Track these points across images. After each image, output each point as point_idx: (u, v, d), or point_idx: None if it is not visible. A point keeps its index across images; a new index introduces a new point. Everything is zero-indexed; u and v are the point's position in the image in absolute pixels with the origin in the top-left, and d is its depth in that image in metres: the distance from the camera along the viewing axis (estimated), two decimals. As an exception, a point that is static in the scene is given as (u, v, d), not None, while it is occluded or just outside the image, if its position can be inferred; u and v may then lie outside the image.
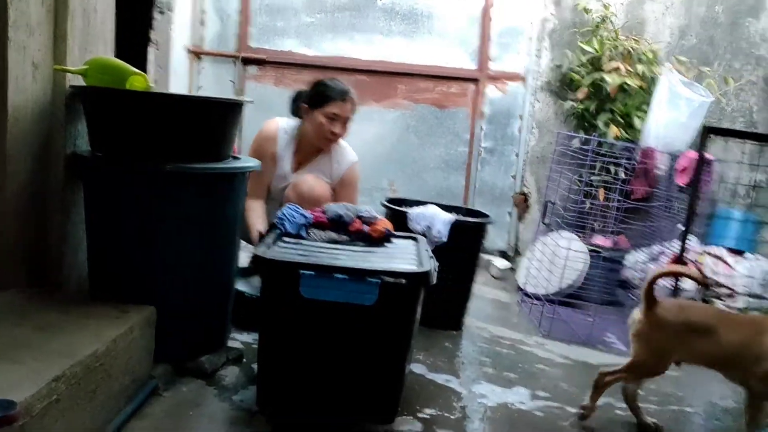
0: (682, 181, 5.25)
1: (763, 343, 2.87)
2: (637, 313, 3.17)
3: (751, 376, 2.90)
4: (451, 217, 4.11)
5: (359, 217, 3.37)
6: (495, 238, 6.51)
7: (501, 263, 6.22)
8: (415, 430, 2.89)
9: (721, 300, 5.53)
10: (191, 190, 3.02)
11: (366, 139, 6.19)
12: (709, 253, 5.69)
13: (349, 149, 4.60)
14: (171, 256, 3.05)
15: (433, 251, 3.81)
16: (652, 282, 3.10)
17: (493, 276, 6.14)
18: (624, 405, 3.32)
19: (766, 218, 5.62)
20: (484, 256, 6.30)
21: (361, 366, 2.76)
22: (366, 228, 3.32)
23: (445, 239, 4.01)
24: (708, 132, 3.42)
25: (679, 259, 3.42)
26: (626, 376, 3.21)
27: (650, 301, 3.08)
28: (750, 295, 5.45)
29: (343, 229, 3.31)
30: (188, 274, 3.11)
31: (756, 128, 5.93)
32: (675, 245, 4.83)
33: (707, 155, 5.27)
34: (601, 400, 3.28)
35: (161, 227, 3.01)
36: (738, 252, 5.70)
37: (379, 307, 2.66)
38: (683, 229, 3.35)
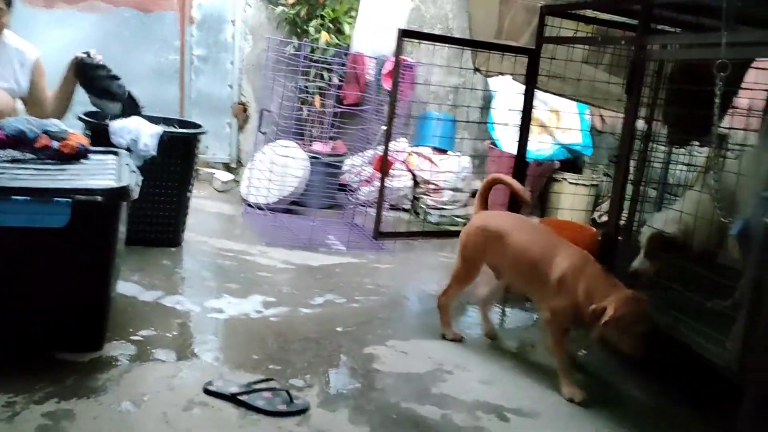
0: (388, 85, 5.51)
1: (553, 264, 2.83)
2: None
3: (541, 297, 2.94)
4: (158, 129, 3.84)
5: (46, 132, 2.98)
6: (216, 150, 6.32)
7: (224, 176, 6.08)
8: (128, 353, 2.73)
9: (428, 195, 6.04)
10: None
11: (58, 46, 5.45)
12: (417, 153, 6.13)
13: (27, 44, 3.93)
14: None
15: (142, 166, 3.55)
16: (483, 194, 3.33)
17: (216, 189, 5.99)
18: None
19: (464, 119, 6.18)
20: (206, 170, 6.11)
21: (59, 294, 2.51)
22: (55, 144, 2.96)
23: (153, 152, 3.75)
24: (402, 35, 3.57)
25: (384, 159, 3.60)
26: (452, 288, 3.32)
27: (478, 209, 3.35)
28: (452, 189, 6.02)
29: (26, 146, 2.92)
30: None
31: (452, 34, 6.39)
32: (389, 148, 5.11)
33: (409, 60, 5.58)
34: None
35: None
36: (442, 151, 6.21)
37: (72, 229, 2.41)
38: (385, 129, 3.50)
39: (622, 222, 4.00)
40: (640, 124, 4.39)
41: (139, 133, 3.75)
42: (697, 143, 4.33)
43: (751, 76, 3.89)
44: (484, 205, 3.39)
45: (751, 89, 3.86)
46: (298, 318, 3.40)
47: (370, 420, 2.46)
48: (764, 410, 2.26)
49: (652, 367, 3.09)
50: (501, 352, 3.26)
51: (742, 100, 4.08)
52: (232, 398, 2.44)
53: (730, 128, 4.18)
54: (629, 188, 4.76)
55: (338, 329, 3.29)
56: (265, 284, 3.81)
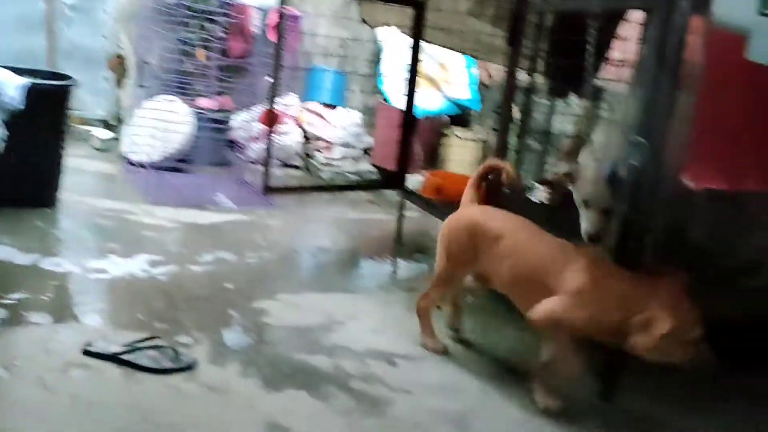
0: (274, 37, 5.36)
1: (563, 275, 2.33)
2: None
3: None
4: (24, 81, 3.56)
5: None
6: (93, 106, 5.97)
7: (102, 134, 5.76)
8: (-1, 318, 2.57)
9: (319, 152, 5.99)
10: None
11: None
12: (307, 109, 6.04)
13: None
14: None
15: (7, 120, 3.32)
16: (476, 183, 2.81)
17: (95, 148, 5.67)
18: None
19: (354, 73, 6.14)
20: (83, 128, 5.76)
21: None
22: None
23: (20, 106, 3.49)
24: (287, -17, 3.47)
25: (270, 113, 3.52)
26: (433, 291, 2.81)
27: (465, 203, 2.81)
28: (343, 145, 5.99)
29: None
30: None
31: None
32: (276, 102, 4.99)
33: (294, 11, 5.45)
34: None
35: None
36: (332, 106, 6.15)
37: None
38: (271, 82, 3.42)
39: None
40: (523, 76, 4.53)
41: (2, 85, 3.47)
42: (575, 95, 4.49)
43: (623, 30, 4.05)
44: (477, 197, 2.84)
45: (624, 41, 4.03)
46: (186, 277, 3.30)
47: (261, 373, 2.44)
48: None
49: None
50: (392, 301, 3.31)
51: (615, 53, 4.26)
52: (113, 358, 2.35)
53: (605, 80, 4.37)
54: (514, 140, 4.94)
55: (228, 286, 3.23)
56: (150, 243, 3.67)
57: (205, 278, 3.31)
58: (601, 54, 4.13)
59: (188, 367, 2.37)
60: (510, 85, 3.26)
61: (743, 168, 2.25)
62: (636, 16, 3.87)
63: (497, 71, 5.87)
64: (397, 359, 2.70)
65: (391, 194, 5.08)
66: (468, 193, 2.82)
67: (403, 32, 4.21)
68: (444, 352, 2.77)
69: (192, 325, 2.75)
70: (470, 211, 2.74)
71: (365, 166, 6.06)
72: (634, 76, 3.38)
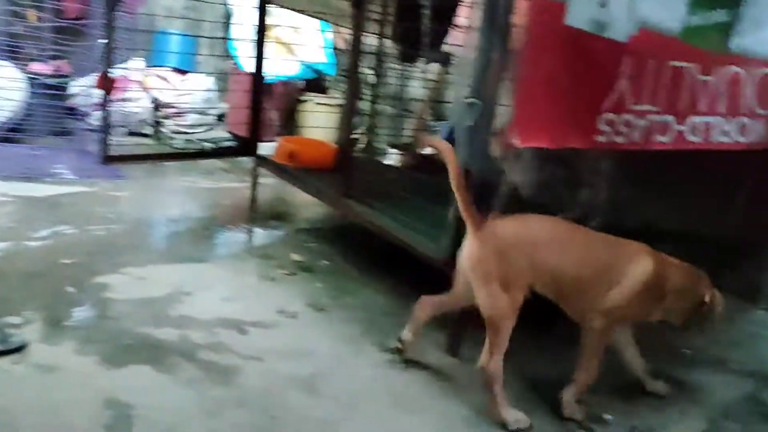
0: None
1: (624, 272, 2.29)
2: (467, 246, 2.32)
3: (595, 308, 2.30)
4: None
5: None
6: None
7: None
8: None
9: (170, 119, 5.75)
10: None
11: None
12: (156, 75, 5.77)
13: None
14: None
15: None
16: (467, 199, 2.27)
17: None
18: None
19: (204, 37, 5.91)
20: None
21: None
22: None
23: None
24: (120, -62, 3.26)
25: (106, 78, 3.32)
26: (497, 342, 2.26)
27: (475, 221, 2.29)
28: (196, 112, 5.79)
29: None
30: None
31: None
32: (120, 67, 4.72)
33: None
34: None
35: None
36: (182, 71, 5.91)
37: None
38: (105, 44, 3.22)
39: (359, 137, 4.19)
40: (374, 41, 4.57)
41: None
42: (424, 59, 4.59)
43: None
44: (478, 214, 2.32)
45: (469, 7, 4.14)
46: (20, 253, 3.10)
47: (100, 349, 2.35)
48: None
49: (386, 270, 3.33)
50: (245, 270, 3.27)
51: (461, 19, 4.38)
52: (-69, 344, 2.16)
53: (453, 45, 4.50)
54: (370, 105, 5.00)
55: (66, 261, 3.06)
56: (-22, 220, 3.40)
57: (40, 254, 3.12)
58: (447, 20, 4.25)
59: (17, 349, 2.23)
60: (356, 49, 3.27)
61: (566, 128, 2.40)
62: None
63: (350, 35, 5.88)
64: (247, 327, 2.68)
65: (247, 162, 5.00)
66: (469, 215, 2.29)
67: (249, -6, 4.11)
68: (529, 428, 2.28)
69: (24, 304, 2.58)
70: (492, 228, 2.29)
71: (220, 134, 5.90)
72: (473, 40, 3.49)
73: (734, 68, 2.74)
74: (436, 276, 2.52)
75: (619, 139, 2.51)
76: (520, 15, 2.27)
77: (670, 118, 2.62)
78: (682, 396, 2.62)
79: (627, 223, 2.78)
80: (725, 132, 2.81)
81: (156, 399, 2.12)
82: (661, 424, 2.42)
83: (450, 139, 2.52)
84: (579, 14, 2.26)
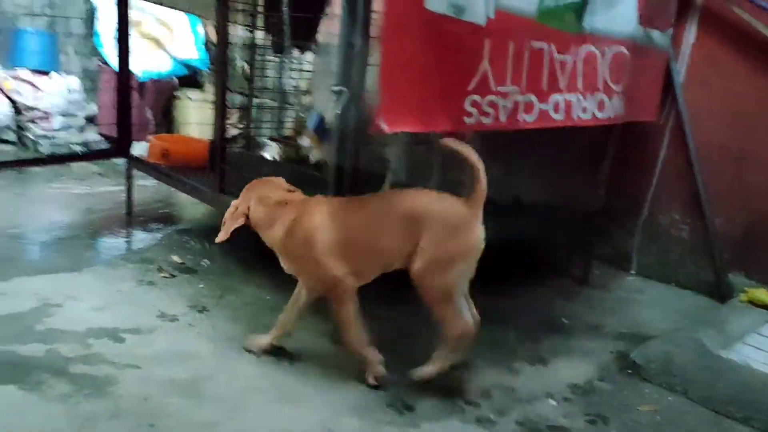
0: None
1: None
2: None
3: None
4: None
5: None
6: None
7: None
8: None
9: (35, 123, 5.41)
10: None
11: None
12: (15, 77, 5.40)
13: None
14: None
15: None
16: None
17: None
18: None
19: (67, 34, 5.60)
20: None
21: None
22: None
23: None
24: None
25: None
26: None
27: None
28: (62, 114, 5.47)
29: None
30: None
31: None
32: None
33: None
34: None
35: None
36: (44, 72, 5.56)
37: None
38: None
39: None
40: (246, 33, 4.48)
41: None
42: (299, 50, 4.54)
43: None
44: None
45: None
46: None
47: (-44, 374, 2.18)
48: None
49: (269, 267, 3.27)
50: (119, 276, 3.12)
51: (335, 8, 4.36)
52: None
53: (326, 35, 4.47)
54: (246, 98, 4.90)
55: None
56: None
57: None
58: (319, 8, 4.22)
59: None
60: (222, 41, 3.18)
61: (433, 111, 2.43)
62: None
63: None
64: (124, 334, 2.57)
65: (123, 164, 4.79)
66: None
67: (108, -13, 3.91)
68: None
69: None
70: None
71: (91, 136, 5.61)
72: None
73: (589, 47, 2.88)
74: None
75: (485, 120, 2.57)
76: (381, 1, 2.28)
77: (533, 97, 2.71)
78: (563, 362, 2.75)
79: (499, 199, 2.86)
80: (585, 109, 2.94)
81: (22, 420, 1.99)
82: (543, 387, 2.52)
83: (319, 128, 2.50)
84: (438, -2, 2.29)
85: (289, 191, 2.45)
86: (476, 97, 2.52)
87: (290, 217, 2.33)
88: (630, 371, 2.71)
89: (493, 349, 2.75)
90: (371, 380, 2.37)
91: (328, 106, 2.43)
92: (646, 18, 3.06)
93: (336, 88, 2.37)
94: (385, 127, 2.26)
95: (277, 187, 2.45)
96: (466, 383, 2.47)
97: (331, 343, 2.64)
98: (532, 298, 3.37)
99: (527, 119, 2.73)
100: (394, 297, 2.53)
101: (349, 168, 2.45)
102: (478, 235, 2.27)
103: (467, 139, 3.07)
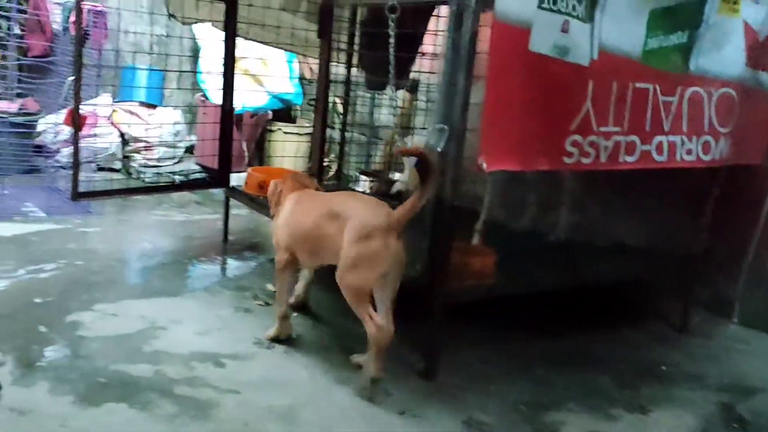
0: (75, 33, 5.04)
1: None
2: None
3: None
4: None
5: None
6: None
7: None
8: None
9: (140, 153, 5.72)
10: None
11: None
12: (123, 109, 5.75)
13: None
14: None
15: None
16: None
17: None
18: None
19: (172, 70, 5.91)
20: None
21: None
22: None
23: None
24: (83, -26, 3.26)
25: (75, 112, 3.30)
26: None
27: None
28: (165, 146, 5.77)
29: None
30: None
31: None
32: (88, 103, 4.69)
33: (98, 6, 5.17)
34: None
35: None
36: (150, 105, 5.90)
37: None
38: (74, 81, 3.20)
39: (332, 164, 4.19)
40: (342, 70, 4.61)
41: None
42: (392, 87, 4.62)
43: (433, 24, 4.24)
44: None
45: (435, 34, 4.21)
46: (-12, 294, 3.04)
47: (74, 389, 2.30)
48: (445, 319, 2.56)
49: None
50: (219, 302, 3.24)
51: (428, 47, 4.45)
52: None
53: (420, 72, 4.55)
54: (339, 133, 5.01)
55: (36, 300, 3.01)
56: (-57, 262, 3.34)
57: (10, 295, 3.06)
58: (413, 47, 4.31)
59: (-12, 392, 2.19)
60: (323, 78, 3.30)
61: (533, 150, 2.44)
62: (443, 11, 4.07)
63: (317, 65, 5.92)
64: (224, 359, 2.65)
65: (219, 193, 4.98)
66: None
67: (215, 26, 4.12)
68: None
69: (-6, 347, 2.53)
70: None
71: (190, 166, 5.88)
72: (440, 67, 3.54)
73: (695, 88, 2.82)
74: (411, 302, 2.53)
75: (585, 160, 2.56)
76: (485, 41, 2.32)
77: (635, 138, 2.67)
78: (663, 411, 2.65)
79: (598, 242, 2.83)
80: (689, 151, 2.88)
81: (132, 437, 2.09)
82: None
83: (420, 164, 2.54)
84: (542, 40, 2.32)
85: (305, 185, 2.93)
86: (577, 137, 2.51)
87: (285, 200, 2.84)
88: (736, 425, 2.59)
89: (589, 394, 2.69)
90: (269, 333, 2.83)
91: (429, 143, 2.47)
92: (754, 59, 2.98)
93: (437, 126, 2.42)
94: (486, 165, 2.29)
95: (301, 179, 2.99)
96: (562, 426, 2.42)
97: (421, 378, 2.65)
98: (629, 342, 3.28)
99: (628, 160, 2.70)
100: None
101: (446, 204, 2.47)
102: (389, 245, 2.40)
103: (564, 176, 3.07)
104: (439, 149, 2.40)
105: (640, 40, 2.61)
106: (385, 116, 5.42)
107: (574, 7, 2.35)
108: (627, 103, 2.62)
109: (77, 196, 3.48)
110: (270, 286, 3.44)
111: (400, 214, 2.40)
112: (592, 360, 2.97)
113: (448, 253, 2.53)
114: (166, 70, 5.50)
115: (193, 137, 6.06)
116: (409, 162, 2.68)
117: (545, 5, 2.29)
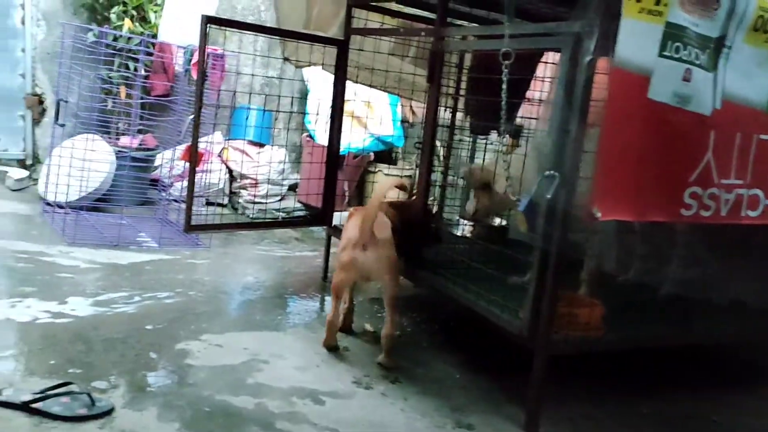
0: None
1: None
2: None
3: None
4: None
5: None
6: (9, 145, 5.77)
7: (17, 173, 5.56)
8: None
9: (245, 190, 5.94)
10: None
11: None
12: (233, 147, 6.00)
13: None
14: None
15: None
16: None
17: (10, 188, 5.47)
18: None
19: (280, 111, 6.12)
20: (-2, 168, 5.56)
21: None
22: None
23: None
24: (207, 21, 3.45)
25: (194, 149, 3.48)
26: None
27: None
28: (270, 183, 5.97)
29: None
30: None
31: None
32: (203, 141, 4.93)
33: (218, 50, 5.45)
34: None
35: None
36: (258, 144, 6.14)
37: None
38: (192, 119, 3.38)
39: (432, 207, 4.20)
40: (447, 114, 4.65)
41: None
42: (496, 132, 4.62)
43: (540, 70, 4.23)
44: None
45: (542, 80, 4.20)
46: (103, 318, 3.19)
47: (181, 416, 2.37)
48: (548, 370, 2.48)
49: (458, 342, 3.28)
50: (318, 339, 3.26)
51: (535, 92, 4.43)
52: (23, 407, 2.23)
53: (523, 117, 4.53)
54: (440, 176, 5.04)
55: (148, 327, 3.14)
56: (66, 286, 3.54)
57: (124, 320, 3.21)
58: (520, 92, 4.30)
59: (104, 414, 2.28)
60: (431, 122, 3.33)
61: (649, 201, 2.37)
62: (551, 57, 4.06)
63: (419, 108, 5.99)
64: (323, 397, 2.67)
65: (319, 231, 5.09)
66: None
67: (325, 70, 4.26)
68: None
69: (108, 369, 2.65)
70: None
71: (292, 203, 6.05)
72: (549, 113, 3.52)
73: (824, 140, 2.66)
74: (510, 349, 2.47)
75: (705, 213, 2.46)
76: (600, 89, 2.29)
77: (759, 192, 2.55)
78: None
79: (715, 298, 2.69)
80: (818, 206, 2.71)
81: (235, 469, 2.12)
82: None
83: (530, 210, 2.51)
84: (662, 88, 2.26)
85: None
86: (697, 189, 2.42)
87: None
88: None
89: None
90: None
91: (540, 190, 2.44)
92: None
93: (548, 173, 2.39)
94: (599, 215, 2.23)
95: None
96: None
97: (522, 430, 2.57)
98: (746, 409, 3.07)
99: (751, 214, 2.57)
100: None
101: (554, 252, 2.42)
102: (348, 254, 2.98)
103: (680, 229, 2.94)
104: (548, 196, 2.36)
105: (765, 89, 2.50)
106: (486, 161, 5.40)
107: (697, 56, 2.29)
108: (751, 155, 2.50)
109: (190, 228, 3.64)
110: (368, 326, 3.45)
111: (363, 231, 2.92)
112: (706, 426, 2.79)
113: (554, 303, 2.47)
114: (277, 111, 5.71)
115: (297, 176, 6.24)
116: (517, 211, 2.68)
117: (667, 53, 2.24)
